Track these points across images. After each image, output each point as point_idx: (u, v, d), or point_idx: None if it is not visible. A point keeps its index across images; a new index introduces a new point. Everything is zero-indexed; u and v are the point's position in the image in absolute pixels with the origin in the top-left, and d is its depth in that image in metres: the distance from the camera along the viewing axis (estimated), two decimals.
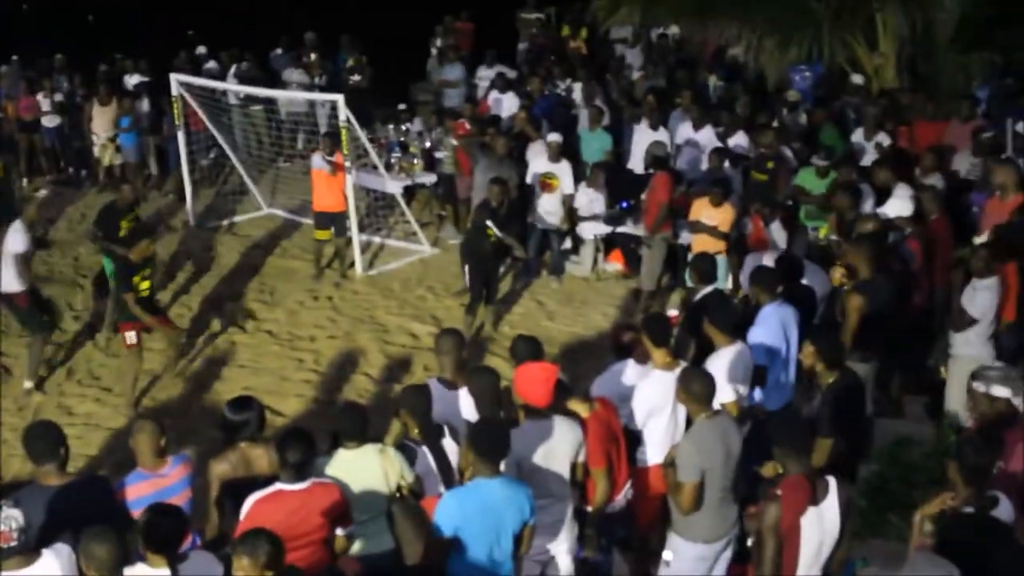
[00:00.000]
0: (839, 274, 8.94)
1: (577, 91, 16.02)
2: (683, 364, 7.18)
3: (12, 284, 10.70)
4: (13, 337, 12.05)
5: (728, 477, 6.31)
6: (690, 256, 10.78)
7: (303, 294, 13.03)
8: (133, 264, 10.25)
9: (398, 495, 6.28)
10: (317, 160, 13.22)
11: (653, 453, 7.07)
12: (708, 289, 9.05)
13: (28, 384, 10.97)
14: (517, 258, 12.45)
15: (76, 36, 24.91)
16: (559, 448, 6.37)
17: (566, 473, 6.44)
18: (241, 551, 4.87)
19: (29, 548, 5.17)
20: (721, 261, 10.76)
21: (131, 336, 10.39)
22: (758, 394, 7.87)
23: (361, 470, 6.15)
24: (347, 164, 13.08)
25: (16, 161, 17.02)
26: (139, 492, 5.99)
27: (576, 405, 6.65)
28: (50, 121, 17.31)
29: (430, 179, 14.78)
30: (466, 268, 11.72)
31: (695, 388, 6.34)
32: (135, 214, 11.87)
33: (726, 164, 12.52)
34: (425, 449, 6.47)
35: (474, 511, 5.66)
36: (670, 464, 6.37)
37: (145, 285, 10.38)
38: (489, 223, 11.26)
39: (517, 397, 6.47)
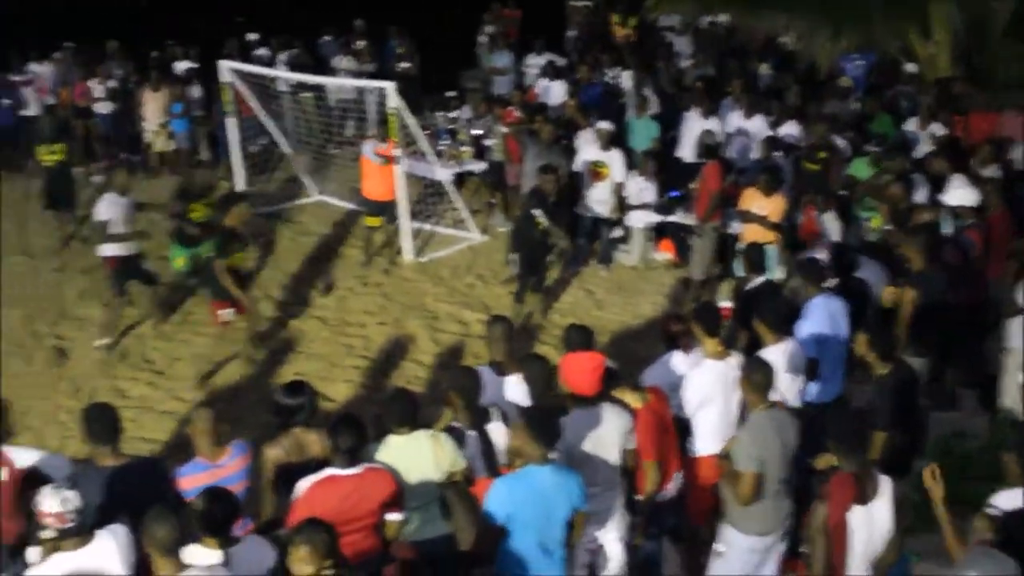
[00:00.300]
0: (889, 294, 8.84)
1: (625, 79, 15.96)
2: (734, 354, 7.19)
3: (102, 249, 11.41)
4: (70, 320, 12.26)
5: (784, 469, 6.30)
6: (740, 246, 10.74)
7: (353, 280, 13.10)
8: (232, 231, 10.42)
9: (450, 480, 6.31)
10: (367, 148, 13.26)
11: (704, 443, 7.07)
12: (759, 280, 9.02)
13: (99, 342, 11.50)
14: (563, 248, 12.44)
15: (129, 22, 25.11)
16: (608, 436, 6.39)
17: (615, 461, 6.47)
18: (299, 541, 4.90)
19: (85, 529, 5.25)
20: (771, 251, 10.68)
21: (227, 314, 10.59)
22: (813, 388, 7.82)
23: (413, 456, 6.17)
24: (397, 152, 13.11)
25: (75, 147, 17.28)
26: (195, 482, 6.00)
27: (628, 396, 6.65)
28: (103, 107, 17.49)
29: (479, 166, 14.79)
30: (514, 256, 11.71)
31: (756, 378, 6.34)
32: (209, 199, 12.02)
33: (777, 153, 12.44)
34: (471, 432, 6.51)
35: (524, 497, 5.69)
36: (726, 455, 6.36)
37: (241, 256, 10.56)
38: (537, 212, 11.25)
39: (564, 385, 6.48)
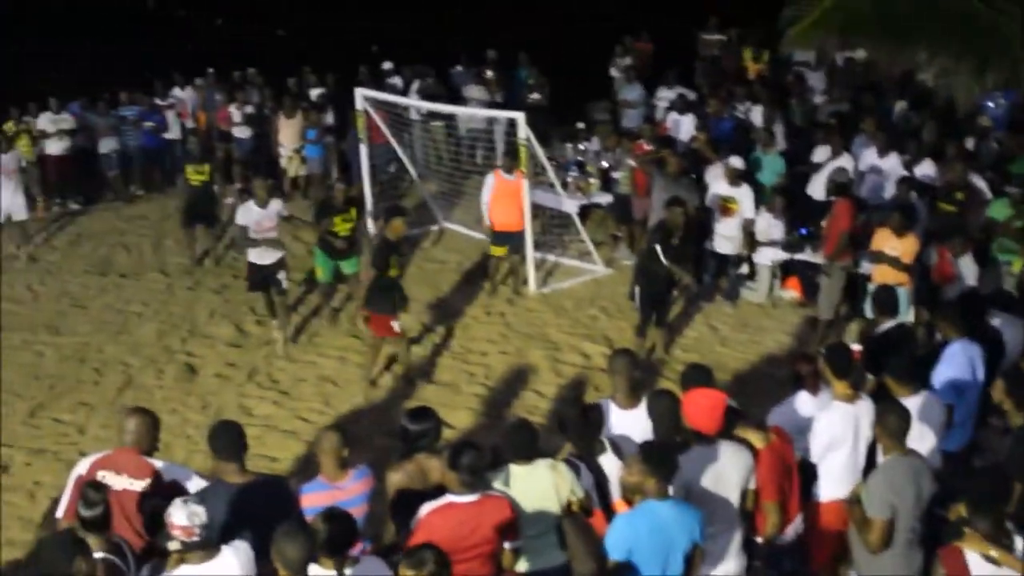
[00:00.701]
0: None
1: (756, 113, 15.80)
2: (864, 397, 7.01)
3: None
4: (200, 337, 12.59)
5: (917, 519, 6.13)
6: (870, 287, 10.50)
7: (476, 309, 13.18)
8: (390, 244, 10.72)
9: (568, 510, 6.28)
10: (496, 178, 13.33)
11: (830, 488, 6.90)
12: (889, 323, 8.79)
13: (277, 335, 12.33)
14: (686, 285, 12.31)
15: (267, 50, 25.86)
16: (728, 475, 6.29)
17: (735, 500, 6.36)
18: (406, 564, 4.94)
19: (210, 544, 5.35)
20: (903, 293, 10.41)
21: (396, 325, 10.88)
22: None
23: (533, 485, 6.17)
24: (525, 182, 13.17)
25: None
26: (315, 501, 6.06)
27: (751, 435, 6.55)
28: (242, 132, 18.02)
29: (606, 199, 14.78)
30: (636, 289, 11.63)
31: (890, 423, 6.19)
32: (351, 214, 12.36)
33: (912, 193, 12.15)
34: (582, 465, 6.49)
35: (645, 532, 5.64)
36: (856, 500, 6.20)
37: (396, 270, 10.82)
38: (658, 247, 11.16)
39: (686, 422, 6.40)
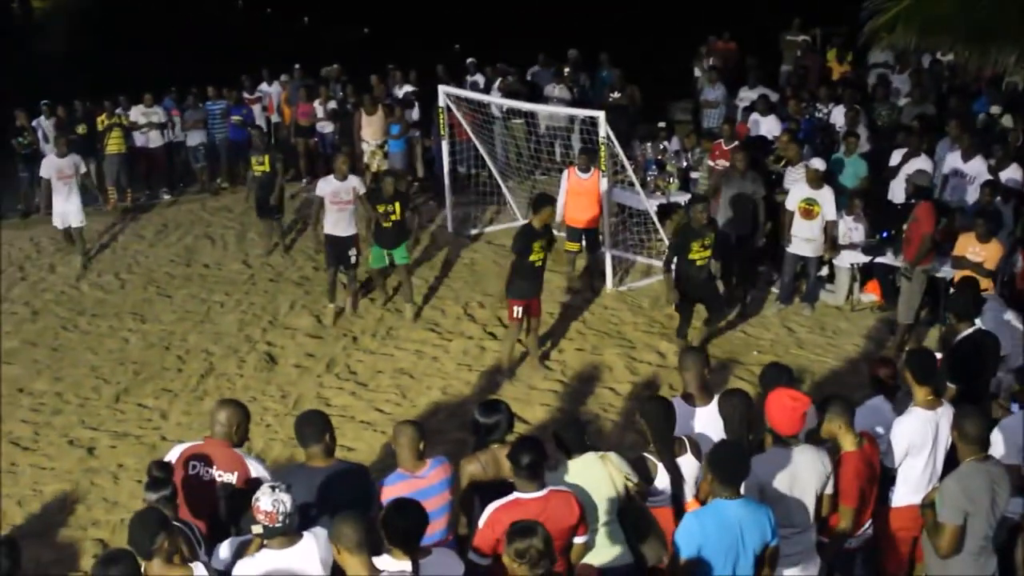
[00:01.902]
0: None
1: (837, 115, 15.64)
2: (944, 404, 6.93)
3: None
4: (280, 328, 12.82)
5: (991, 526, 6.05)
6: (952, 292, 10.36)
7: (553, 305, 13.22)
8: (533, 231, 11.02)
9: (628, 497, 6.32)
10: (570, 175, 13.39)
11: (906, 493, 6.85)
12: (969, 329, 8.67)
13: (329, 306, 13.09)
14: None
15: (351, 47, 26.20)
16: (804, 478, 6.24)
17: (810, 504, 6.30)
18: (514, 539, 5.03)
19: (291, 530, 5.46)
20: None
21: (517, 310, 11.14)
22: None
23: (590, 477, 6.24)
24: (603, 180, 13.22)
25: (294, 162, 18.33)
26: (397, 492, 6.10)
27: (844, 437, 6.46)
28: (324, 127, 18.29)
29: (685, 198, 14.73)
30: (674, 291, 11.66)
31: (968, 428, 6.10)
32: (395, 206, 12.74)
33: (997, 198, 11.95)
34: (660, 464, 6.51)
35: (713, 530, 5.63)
36: (929, 504, 6.15)
37: (539, 255, 11.06)
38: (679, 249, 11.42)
39: (767, 422, 6.39)
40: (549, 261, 11.32)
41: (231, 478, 6.37)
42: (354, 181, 12.83)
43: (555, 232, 11.81)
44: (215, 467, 6.39)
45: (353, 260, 12.95)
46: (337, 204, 12.67)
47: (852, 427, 6.50)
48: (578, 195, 13.32)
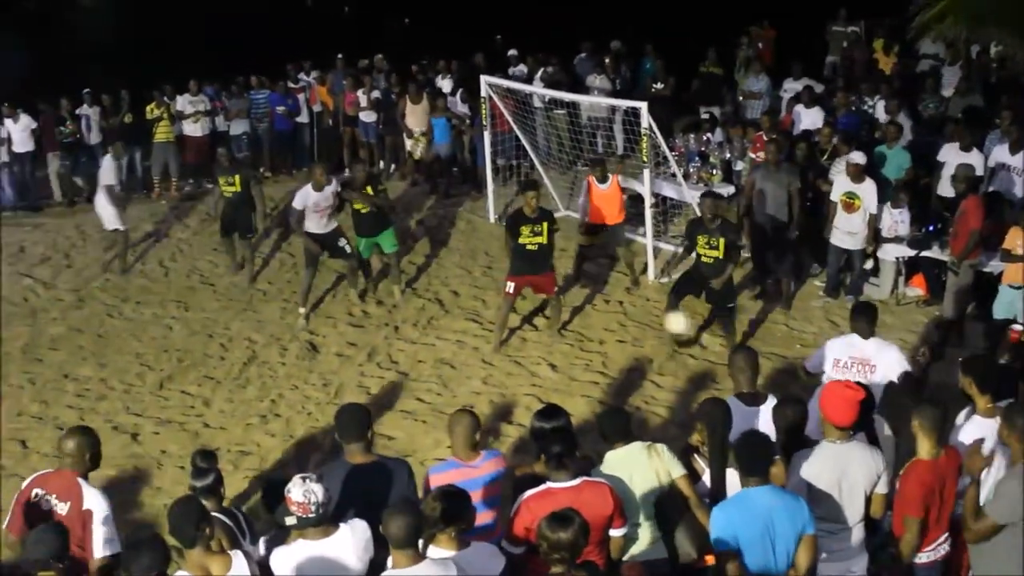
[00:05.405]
0: None
1: (881, 108, 15.46)
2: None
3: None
4: (323, 317, 12.88)
5: None
6: (1000, 287, 10.23)
7: (595, 296, 13.19)
8: (520, 216, 11.51)
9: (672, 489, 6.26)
10: (590, 185, 13.28)
11: None
12: (1018, 326, 8.54)
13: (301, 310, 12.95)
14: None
15: (394, 37, 26.23)
16: (854, 474, 6.10)
17: (859, 501, 6.15)
18: (549, 526, 5.05)
19: (326, 521, 5.47)
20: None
21: (510, 286, 11.59)
22: None
23: (633, 468, 6.19)
24: (620, 180, 13.36)
25: (338, 151, 18.63)
26: (446, 479, 6.02)
27: (922, 444, 6.18)
28: (367, 116, 18.32)
29: (728, 190, 14.63)
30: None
31: (1021, 424, 5.95)
32: (368, 191, 12.97)
33: None
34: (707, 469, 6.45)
35: (742, 519, 5.60)
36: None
37: (530, 239, 11.44)
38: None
39: (821, 413, 6.27)
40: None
41: (64, 508, 6.15)
42: (332, 187, 12.76)
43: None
44: (54, 496, 6.20)
45: (347, 249, 13.01)
46: (319, 212, 12.66)
47: (933, 435, 6.16)
48: (599, 202, 13.25)
